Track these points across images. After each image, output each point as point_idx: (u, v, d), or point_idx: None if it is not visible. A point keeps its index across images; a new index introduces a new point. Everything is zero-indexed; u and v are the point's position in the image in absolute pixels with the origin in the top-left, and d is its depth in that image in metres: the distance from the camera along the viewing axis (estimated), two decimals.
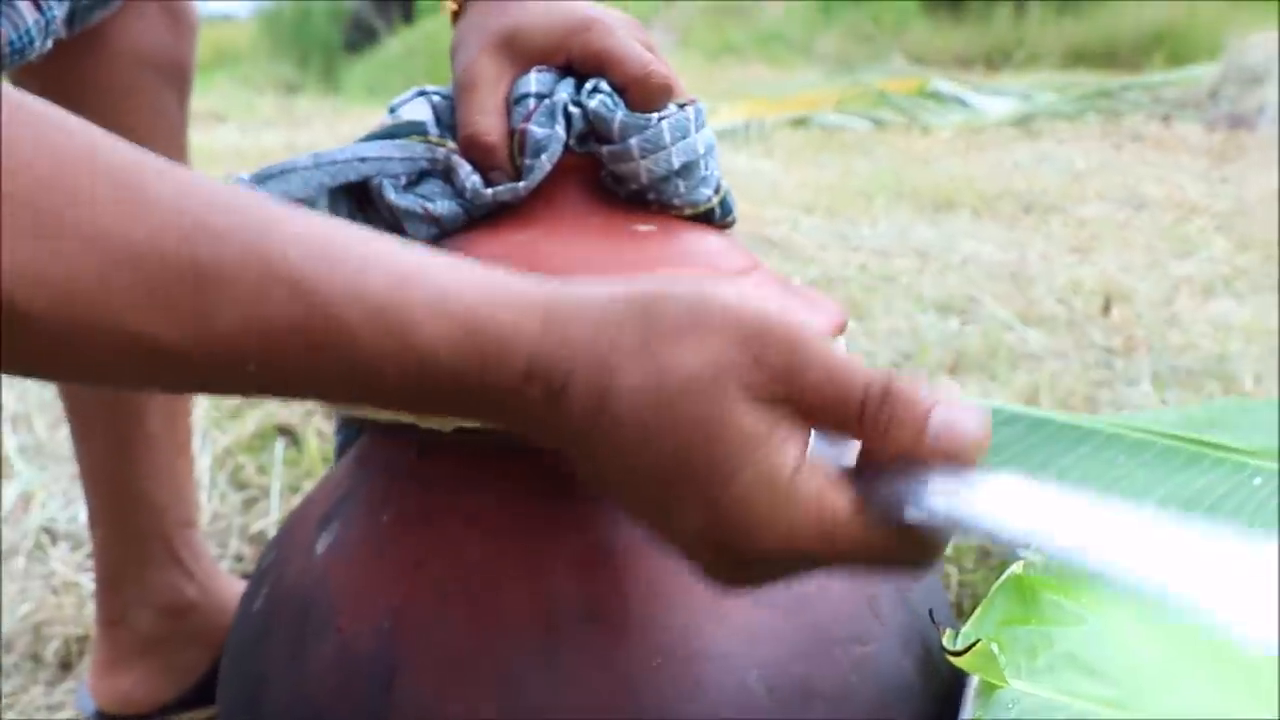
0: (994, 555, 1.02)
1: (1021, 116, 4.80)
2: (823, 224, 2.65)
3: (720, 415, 0.37)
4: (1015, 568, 0.58)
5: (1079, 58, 7.39)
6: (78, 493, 1.24)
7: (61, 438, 1.40)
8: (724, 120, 4.81)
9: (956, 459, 0.37)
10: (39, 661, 0.98)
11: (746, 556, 0.38)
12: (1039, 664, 0.54)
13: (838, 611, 0.54)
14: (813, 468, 0.38)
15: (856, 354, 0.42)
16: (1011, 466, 0.82)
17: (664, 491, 0.38)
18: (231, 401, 1.44)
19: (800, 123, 4.76)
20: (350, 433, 0.72)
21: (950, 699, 0.55)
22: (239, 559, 1.14)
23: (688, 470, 0.37)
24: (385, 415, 0.55)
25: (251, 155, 3.99)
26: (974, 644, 0.51)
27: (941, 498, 0.36)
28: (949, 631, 0.53)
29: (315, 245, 0.37)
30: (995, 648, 0.54)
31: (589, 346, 0.38)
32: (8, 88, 0.35)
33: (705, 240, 0.62)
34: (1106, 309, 1.85)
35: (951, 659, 0.52)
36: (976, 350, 1.65)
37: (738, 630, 0.51)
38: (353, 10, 10.83)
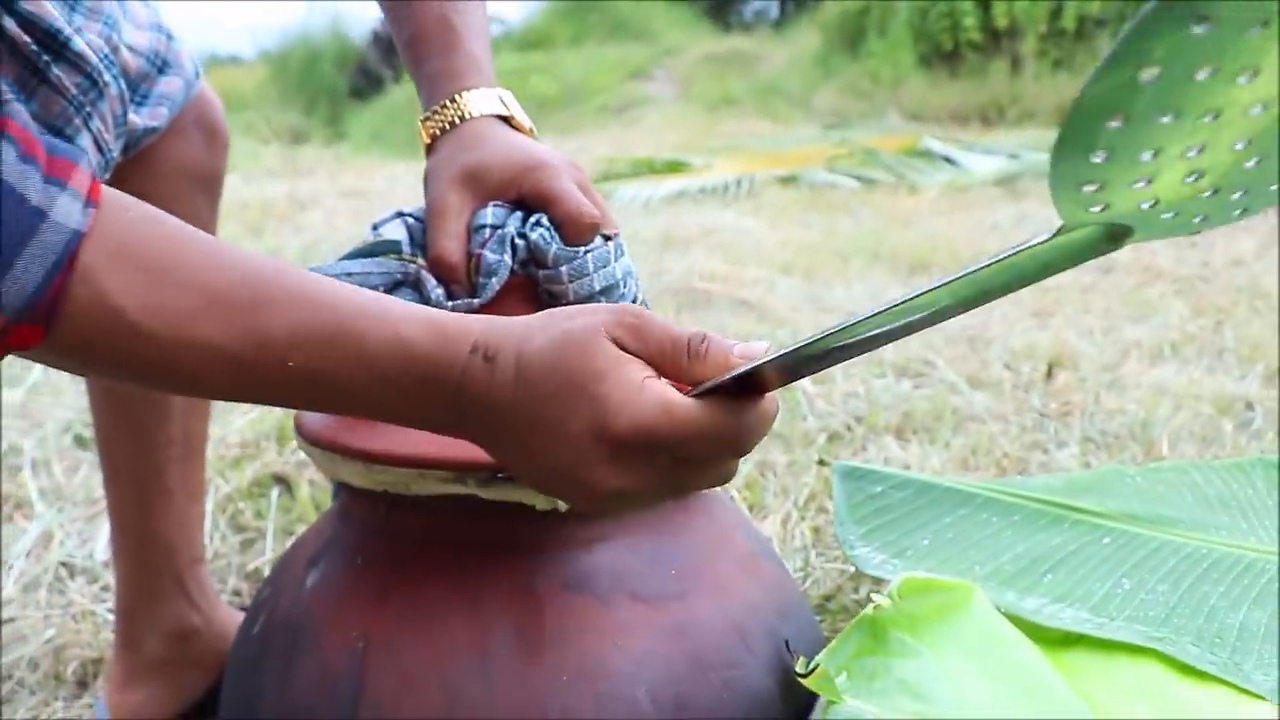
0: None
1: (1008, 175, 4.91)
2: (799, 285, 2.77)
3: (595, 346, 0.54)
4: (868, 610, 0.71)
5: None
6: (93, 531, 1.38)
7: (78, 482, 1.53)
8: (717, 175, 4.95)
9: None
10: (60, 680, 1.11)
11: (613, 437, 0.53)
12: (875, 687, 0.67)
13: (713, 643, 0.67)
14: (659, 380, 0.54)
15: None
16: (897, 525, 0.95)
17: (561, 409, 0.53)
18: (234, 453, 1.58)
19: (790, 180, 4.87)
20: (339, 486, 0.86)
21: (805, 713, 0.68)
22: (237, 594, 1.27)
23: (577, 378, 0.53)
24: (360, 481, 0.69)
25: (254, 205, 4.14)
26: (815, 668, 0.65)
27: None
28: (801, 659, 0.66)
29: (337, 289, 0.56)
30: (844, 676, 0.67)
31: (514, 332, 0.56)
32: (132, 202, 0.54)
33: None
34: (1050, 374, 1.97)
35: (800, 680, 0.65)
36: (923, 413, 1.77)
37: (630, 655, 0.65)
38: (359, 56, 11.03)
